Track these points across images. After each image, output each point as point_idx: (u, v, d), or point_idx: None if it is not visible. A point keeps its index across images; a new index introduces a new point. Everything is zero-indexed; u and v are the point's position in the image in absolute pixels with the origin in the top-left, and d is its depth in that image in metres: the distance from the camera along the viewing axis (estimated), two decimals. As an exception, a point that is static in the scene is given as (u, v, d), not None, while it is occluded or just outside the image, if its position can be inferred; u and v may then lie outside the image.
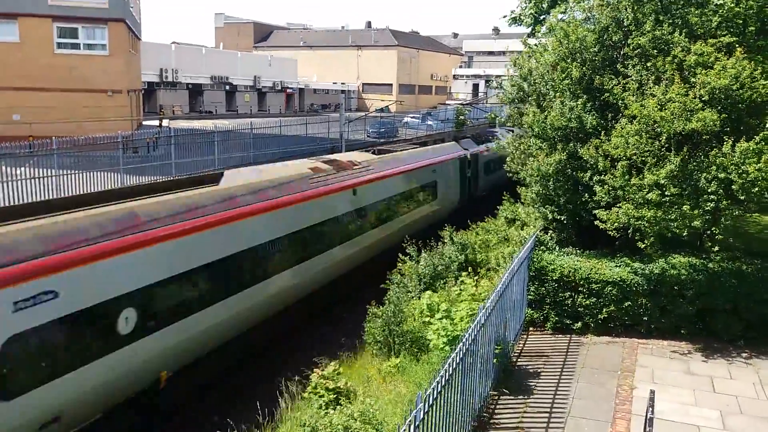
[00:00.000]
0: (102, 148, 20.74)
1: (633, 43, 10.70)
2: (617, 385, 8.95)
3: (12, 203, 15.91)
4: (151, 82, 53.09)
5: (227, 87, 63.43)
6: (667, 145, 9.68)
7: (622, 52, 11.20)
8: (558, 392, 8.71)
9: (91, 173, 19.24)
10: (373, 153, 19.11)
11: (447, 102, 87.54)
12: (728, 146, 9.28)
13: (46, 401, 7.09)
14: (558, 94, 11.36)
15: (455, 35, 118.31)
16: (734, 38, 10.26)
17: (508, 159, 13.35)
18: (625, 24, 11.07)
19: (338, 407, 7.54)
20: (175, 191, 10.19)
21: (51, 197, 16.60)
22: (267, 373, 11.30)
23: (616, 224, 10.00)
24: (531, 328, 11.19)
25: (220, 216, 10.06)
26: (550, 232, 12.42)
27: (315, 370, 8.48)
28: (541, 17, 18.16)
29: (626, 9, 10.94)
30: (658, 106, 9.63)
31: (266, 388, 9.98)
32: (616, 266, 10.64)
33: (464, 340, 6.78)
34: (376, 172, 16.40)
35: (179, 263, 9.07)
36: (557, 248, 11.75)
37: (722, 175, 9.26)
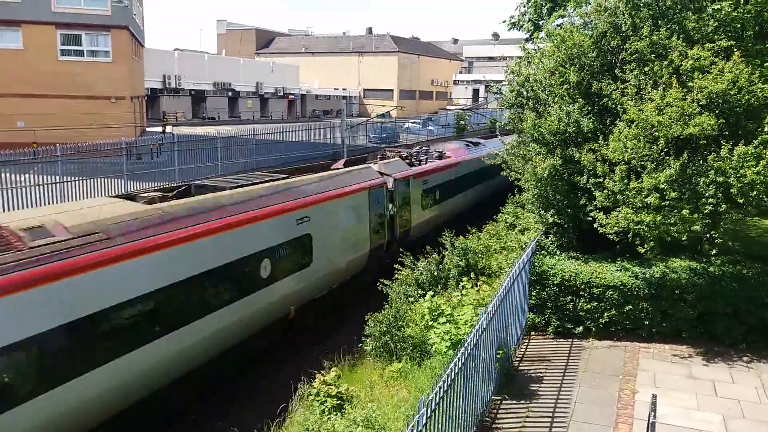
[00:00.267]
0: (106, 154, 20.87)
1: (631, 47, 10.76)
2: (619, 389, 8.96)
3: (14, 209, 16.02)
4: (154, 88, 53.39)
5: (230, 93, 63.73)
6: (666, 150, 9.73)
7: (620, 57, 11.27)
8: (560, 397, 8.73)
9: (95, 180, 19.37)
10: (177, 194, 11.00)
11: (448, 107, 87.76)
12: (726, 150, 9.32)
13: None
14: (556, 99, 11.43)
15: (455, 41, 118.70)
16: (732, 42, 10.32)
17: (505, 164, 13.46)
18: (623, 29, 11.14)
19: (341, 413, 7.58)
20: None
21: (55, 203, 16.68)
22: (268, 376, 11.35)
23: (615, 228, 10.04)
24: (533, 333, 11.22)
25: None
26: (551, 236, 12.47)
27: (317, 375, 8.51)
28: (540, 22, 18.25)
29: (624, 14, 11.02)
30: (656, 111, 9.68)
31: (267, 390, 10.03)
32: (617, 270, 10.67)
33: (466, 344, 6.81)
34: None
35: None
36: (558, 252, 11.79)
37: (721, 179, 9.29)
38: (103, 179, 19.56)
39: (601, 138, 10.64)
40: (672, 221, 9.43)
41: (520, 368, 9.68)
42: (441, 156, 21.61)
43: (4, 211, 16.06)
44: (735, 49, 9.99)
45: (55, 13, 30.20)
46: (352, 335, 11.79)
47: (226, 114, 63.02)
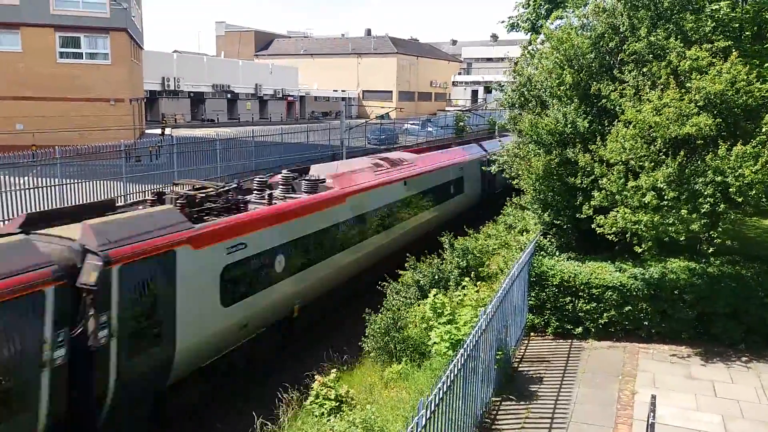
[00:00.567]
0: (105, 157, 20.86)
1: (629, 48, 10.77)
2: (619, 390, 8.96)
3: (15, 213, 16.01)
4: (153, 90, 53.40)
5: (229, 95, 63.76)
6: (664, 150, 9.74)
7: (618, 58, 11.28)
8: (560, 398, 8.73)
9: (95, 182, 19.36)
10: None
11: (446, 108, 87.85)
12: (723, 150, 9.33)
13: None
14: (555, 100, 11.45)
15: (454, 42, 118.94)
16: (730, 42, 10.33)
17: (506, 165, 13.47)
18: (621, 30, 11.16)
19: (340, 414, 7.58)
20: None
21: (53, 207, 16.69)
22: (268, 378, 11.33)
23: (613, 229, 10.04)
24: (532, 334, 11.22)
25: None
26: (550, 237, 12.47)
27: (317, 377, 8.51)
28: (539, 23, 18.29)
29: (622, 15, 11.04)
30: (654, 111, 9.68)
31: (268, 393, 10.01)
32: (616, 271, 10.68)
33: (466, 345, 6.82)
34: None
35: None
36: (557, 253, 11.79)
37: (719, 179, 9.29)
38: (102, 181, 19.55)
39: (598, 139, 10.65)
40: (670, 221, 9.42)
41: (520, 369, 9.68)
42: (314, 188, 13.16)
43: (2, 214, 16.05)
44: (733, 50, 10.01)
45: (53, 15, 30.23)
46: (351, 336, 11.78)
47: (225, 116, 63.04)
